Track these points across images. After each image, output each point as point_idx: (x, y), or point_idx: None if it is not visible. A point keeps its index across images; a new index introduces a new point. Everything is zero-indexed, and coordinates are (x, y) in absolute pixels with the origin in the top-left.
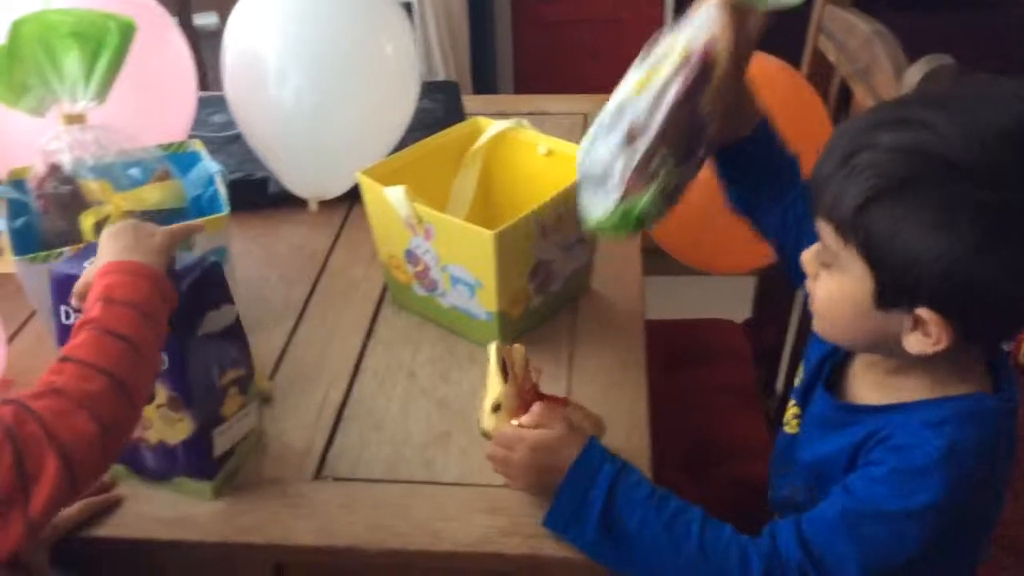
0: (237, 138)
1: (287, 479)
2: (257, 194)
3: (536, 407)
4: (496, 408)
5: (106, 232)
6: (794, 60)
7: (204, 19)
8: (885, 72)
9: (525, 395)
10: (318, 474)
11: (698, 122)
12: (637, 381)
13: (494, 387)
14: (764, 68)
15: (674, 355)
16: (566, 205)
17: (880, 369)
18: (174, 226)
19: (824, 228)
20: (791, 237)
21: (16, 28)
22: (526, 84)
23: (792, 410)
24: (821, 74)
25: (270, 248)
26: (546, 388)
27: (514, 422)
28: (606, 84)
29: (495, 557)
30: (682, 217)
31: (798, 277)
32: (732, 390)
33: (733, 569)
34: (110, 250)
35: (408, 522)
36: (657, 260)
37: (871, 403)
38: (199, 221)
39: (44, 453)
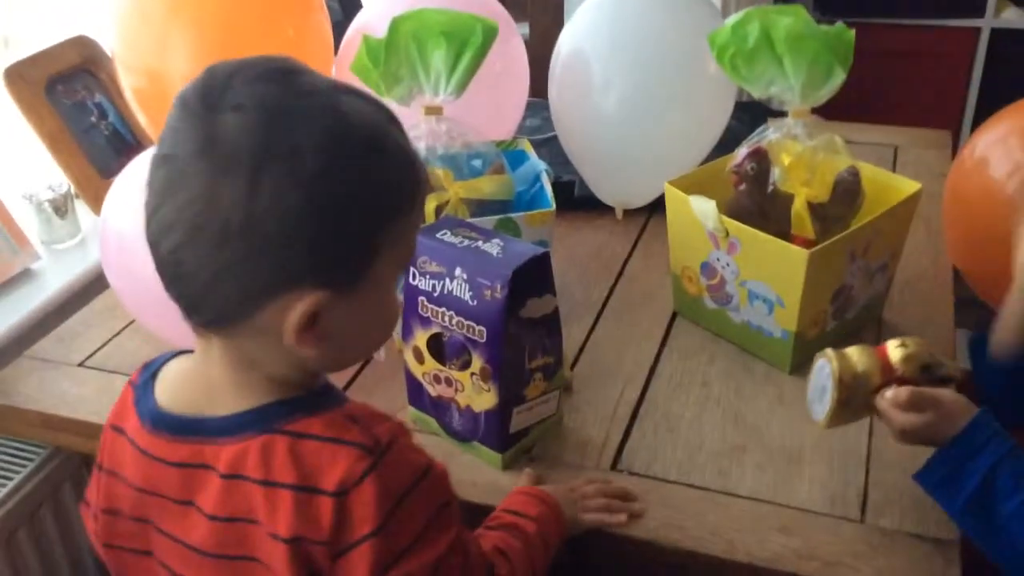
0: (547, 142)
1: (586, 466)
2: (564, 196)
3: (905, 392)
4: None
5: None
6: None
7: (520, 30)
8: None
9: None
10: (614, 466)
11: None
12: None
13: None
14: None
15: None
16: (877, 231)
17: None
18: (594, 501)
19: None
20: None
21: (395, 24)
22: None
23: None
24: None
25: (572, 248)
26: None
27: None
28: (911, 118)
29: None
30: (1006, 261)
31: None
32: None
33: None
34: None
35: (703, 527)
36: (961, 311)
37: None
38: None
39: None
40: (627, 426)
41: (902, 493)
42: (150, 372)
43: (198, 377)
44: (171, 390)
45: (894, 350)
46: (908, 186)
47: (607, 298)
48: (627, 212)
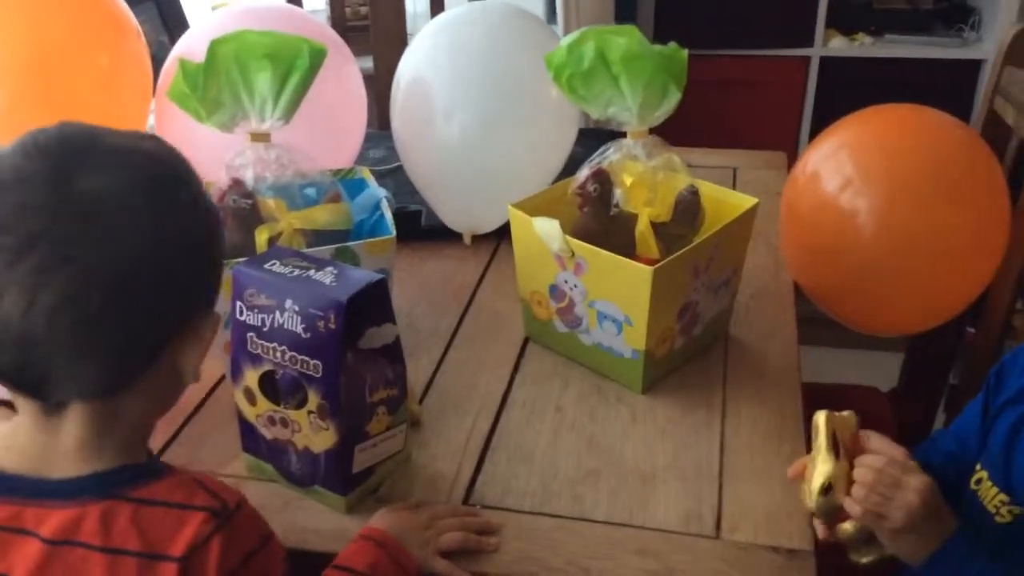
0: (392, 172)
1: (435, 503)
2: (410, 226)
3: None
4: (827, 490)
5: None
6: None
7: (360, 63)
8: None
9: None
10: (466, 501)
11: None
12: (795, 432)
13: (824, 463)
14: (936, 123)
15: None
16: (717, 246)
17: None
18: (448, 535)
19: None
20: None
21: (214, 47)
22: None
23: (998, 496)
24: (996, 135)
25: (420, 278)
26: (700, 435)
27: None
28: (751, 143)
29: None
30: (842, 276)
31: None
32: None
33: None
34: (388, 521)
35: (559, 556)
36: (804, 329)
37: None
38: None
39: None
40: (479, 458)
41: (755, 506)
42: None
43: (27, 439)
44: None
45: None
46: (745, 201)
47: (456, 328)
48: (476, 240)
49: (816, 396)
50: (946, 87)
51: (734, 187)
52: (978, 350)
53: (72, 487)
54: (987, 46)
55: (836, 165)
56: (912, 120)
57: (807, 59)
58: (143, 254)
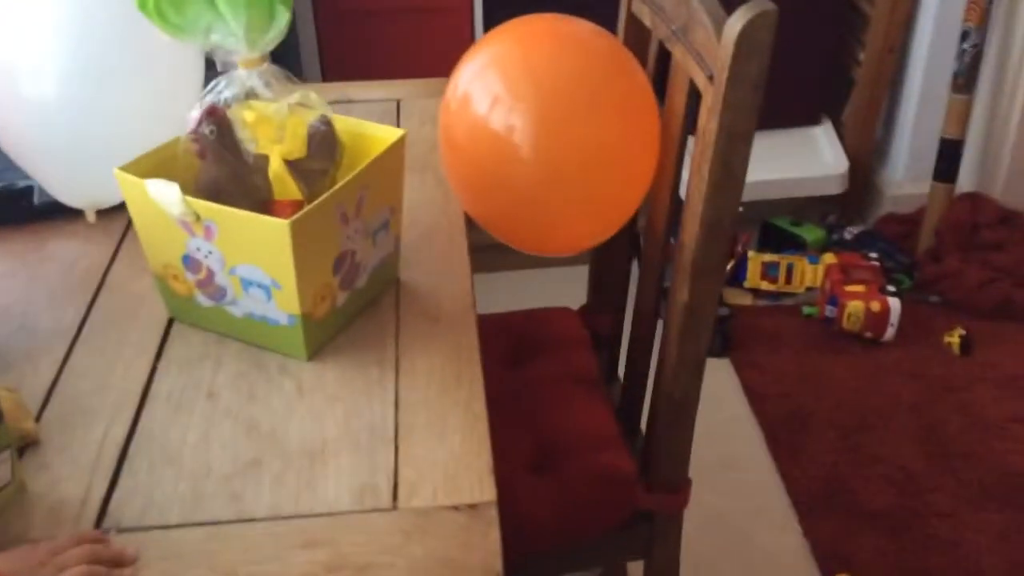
0: None
1: (61, 536)
2: (20, 206)
3: None
4: None
5: None
6: (609, 28)
7: None
8: (704, 27)
9: None
10: (98, 526)
11: None
12: (473, 377)
13: None
14: (577, 32)
15: (512, 348)
16: (366, 187)
17: None
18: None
19: None
20: None
21: None
22: (334, 76)
23: None
24: (638, 39)
25: (37, 267)
26: (373, 395)
27: None
28: (417, 72)
29: None
30: (507, 199)
31: None
32: (574, 379)
33: None
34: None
35: (214, 570)
36: (486, 256)
37: None
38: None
39: None
40: (114, 472)
41: (433, 465)
42: None
43: None
44: None
45: None
46: (391, 134)
47: (84, 319)
48: (105, 214)
49: (506, 326)
50: None
51: (398, 121)
52: (649, 254)
53: None
54: None
55: (484, 84)
56: (554, 30)
57: None
58: None
